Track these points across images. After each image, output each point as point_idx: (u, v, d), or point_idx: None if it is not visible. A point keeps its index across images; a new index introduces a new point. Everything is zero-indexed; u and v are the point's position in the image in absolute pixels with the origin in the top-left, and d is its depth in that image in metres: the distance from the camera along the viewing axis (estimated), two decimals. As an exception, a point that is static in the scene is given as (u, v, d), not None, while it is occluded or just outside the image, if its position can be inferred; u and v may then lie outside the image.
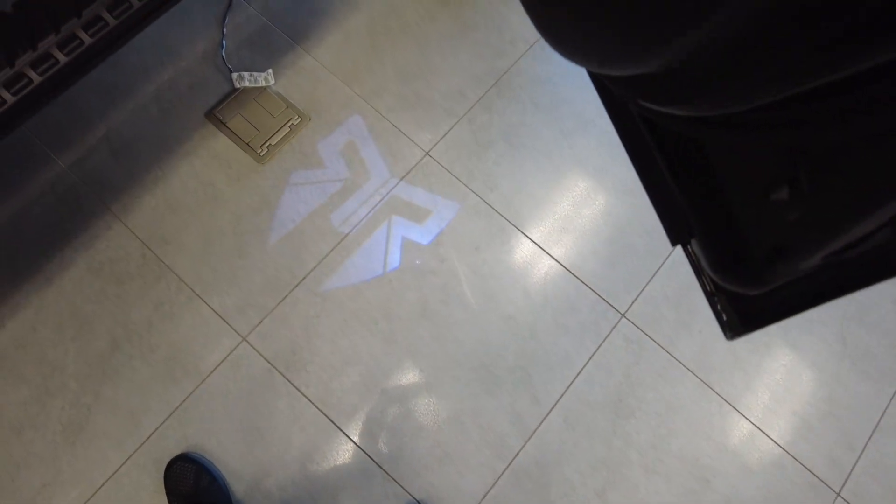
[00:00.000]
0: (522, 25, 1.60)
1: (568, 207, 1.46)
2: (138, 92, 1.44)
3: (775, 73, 0.34)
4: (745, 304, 0.63)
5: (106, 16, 0.92)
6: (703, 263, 0.61)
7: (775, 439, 1.33)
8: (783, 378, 1.38)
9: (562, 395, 1.34)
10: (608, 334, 1.38)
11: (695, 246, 0.62)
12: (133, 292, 1.33)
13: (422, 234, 1.42)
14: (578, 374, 1.35)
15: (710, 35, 0.33)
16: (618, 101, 0.66)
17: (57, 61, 0.90)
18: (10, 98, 0.88)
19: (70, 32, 0.90)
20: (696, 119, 0.50)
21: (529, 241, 1.43)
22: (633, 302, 1.41)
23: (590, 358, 1.36)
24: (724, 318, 0.62)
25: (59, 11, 0.87)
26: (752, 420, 1.34)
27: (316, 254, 1.39)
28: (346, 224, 1.41)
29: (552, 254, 1.42)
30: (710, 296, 0.62)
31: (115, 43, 0.94)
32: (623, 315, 1.40)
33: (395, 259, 1.40)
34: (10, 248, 1.33)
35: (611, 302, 1.40)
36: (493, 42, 1.58)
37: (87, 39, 0.91)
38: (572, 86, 1.55)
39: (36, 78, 0.89)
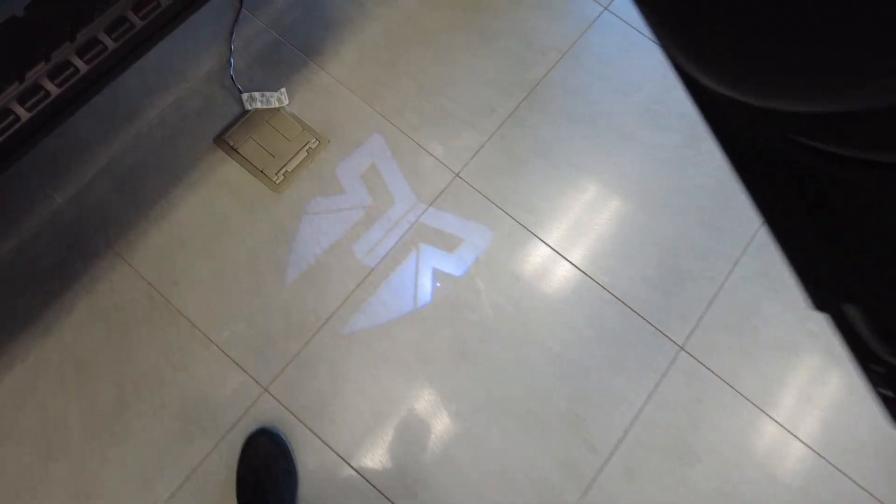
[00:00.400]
0: (551, 33, 1.47)
1: (614, 229, 1.33)
2: (141, 117, 1.32)
3: None
4: None
5: (104, 38, 0.79)
6: (868, 334, 0.47)
7: (864, 486, 1.19)
8: (862, 419, 1.24)
9: (620, 440, 1.20)
10: (667, 370, 1.25)
11: (852, 312, 0.49)
12: (141, 340, 1.20)
13: (455, 265, 1.29)
14: (637, 417, 1.22)
15: None
16: (744, 138, 0.51)
17: (48, 93, 0.77)
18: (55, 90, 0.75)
19: (63, 59, 0.78)
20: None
21: (574, 267, 1.30)
22: (690, 332, 1.27)
23: (648, 397, 1.23)
24: (890, 403, 0.48)
25: (51, 36, 0.75)
26: (832, 463, 1.20)
27: (340, 291, 1.26)
28: (372, 256, 1.28)
29: (600, 282, 1.29)
30: (873, 373, 0.49)
31: (114, 69, 0.82)
32: (682, 347, 1.26)
33: (426, 293, 1.27)
34: (5, 293, 1.21)
35: (667, 334, 1.27)
36: (521, 52, 1.45)
37: (83, 67, 0.79)
38: (609, 97, 1.43)
39: (23, 114, 0.77)
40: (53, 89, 0.78)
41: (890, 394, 0.47)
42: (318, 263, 1.27)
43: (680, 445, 1.21)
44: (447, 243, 1.30)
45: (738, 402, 1.24)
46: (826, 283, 0.49)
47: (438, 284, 1.27)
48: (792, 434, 1.22)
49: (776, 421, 1.22)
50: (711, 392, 1.24)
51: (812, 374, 1.26)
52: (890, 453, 1.22)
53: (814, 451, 1.21)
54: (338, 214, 1.30)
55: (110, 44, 0.80)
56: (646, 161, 1.38)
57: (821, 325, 1.28)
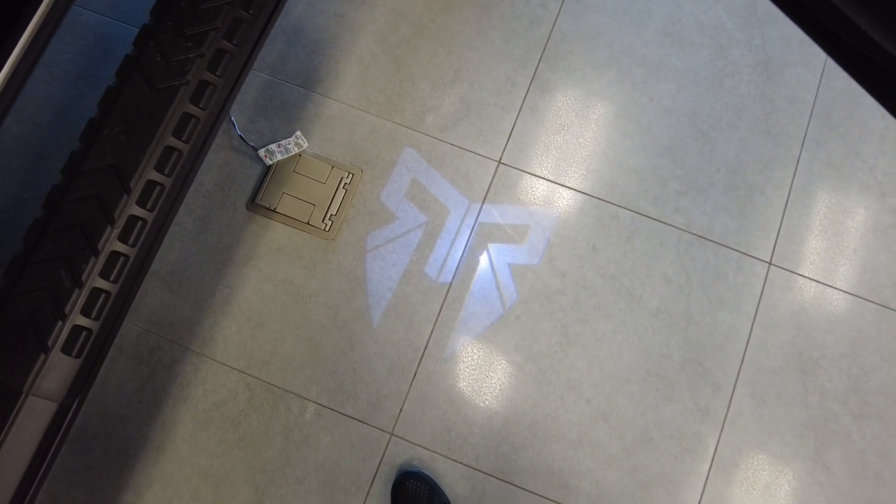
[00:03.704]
0: (541, -22, 1.37)
1: (673, 167, 1.29)
2: (165, 210, 1.24)
3: None
4: None
5: (157, 177, 0.73)
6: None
7: (976, 339, 1.22)
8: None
9: (738, 371, 1.22)
10: (763, 290, 1.25)
11: None
12: (254, 428, 1.19)
13: (529, 255, 1.26)
14: (748, 342, 1.23)
15: None
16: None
17: (127, 257, 0.71)
18: (92, 325, 0.70)
19: (127, 215, 0.71)
20: None
21: (647, 218, 1.27)
22: (774, 245, 1.27)
23: (753, 322, 1.23)
24: None
25: (104, 191, 0.68)
26: (942, 326, 1.23)
27: (427, 316, 1.23)
28: (445, 272, 1.25)
29: (677, 225, 1.27)
30: None
31: (176, 202, 0.75)
32: (770, 263, 1.26)
33: (510, 292, 1.25)
34: (106, 427, 1.18)
35: (754, 255, 1.26)
36: (522, 11, 1.36)
37: (147, 216, 0.73)
38: (625, 32, 1.35)
39: (110, 287, 0.71)
40: (128, 250, 0.72)
41: None
42: (396, 297, 1.24)
43: (797, 358, 1.22)
44: (514, 235, 1.26)
45: (841, 299, 1.25)
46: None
47: (522, 275, 1.24)
48: (892, 308, 1.23)
49: (883, 305, 1.24)
50: (812, 297, 1.25)
51: (900, 248, 1.26)
52: None
53: (923, 321, 1.23)
54: (398, 242, 1.26)
55: (165, 181, 0.73)
56: (683, 87, 1.32)
57: (898, 198, 1.27)
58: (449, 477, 1.17)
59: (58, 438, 0.68)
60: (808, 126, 1.30)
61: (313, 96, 1.30)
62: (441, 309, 1.23)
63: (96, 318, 0.68)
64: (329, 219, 1.25)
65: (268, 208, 1.25)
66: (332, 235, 1.25)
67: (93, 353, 0.69)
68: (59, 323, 0.66)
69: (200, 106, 0.72)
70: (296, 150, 1.26)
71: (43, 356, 0.66)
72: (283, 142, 1.26)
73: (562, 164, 1.29)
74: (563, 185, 1.28)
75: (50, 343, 0.66)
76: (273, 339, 1.21)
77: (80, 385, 0.68)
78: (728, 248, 1.26)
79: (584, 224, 1.27)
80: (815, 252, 1.26)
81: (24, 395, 0.65)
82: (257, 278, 1.23)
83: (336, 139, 1.29)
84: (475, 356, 1.22)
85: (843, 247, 1.26)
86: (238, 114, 1.28)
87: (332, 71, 1.31)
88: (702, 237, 1.26)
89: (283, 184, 1.26)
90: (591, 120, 1.30)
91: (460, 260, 1.25)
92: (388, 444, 1.19)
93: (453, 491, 1.17)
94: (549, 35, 1.34)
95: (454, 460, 1.18)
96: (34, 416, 0.65)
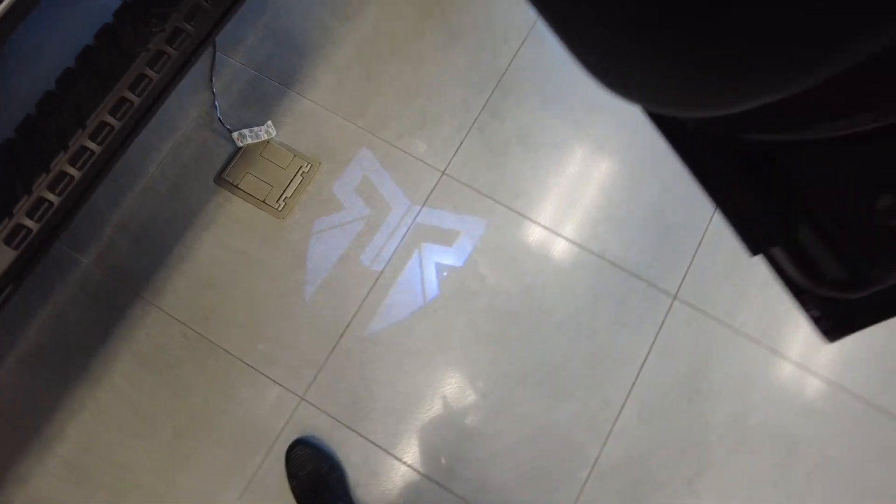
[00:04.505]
0: (511, 19, 1.54)
1: (596, 197, 1.42)
2: (143, 174, 1.42)
3: None
4: (841, 307, 0.60)
5: (110, 119, 0.89)
6: (792, 271, 0.58)
7: (857, 393, 1.30)
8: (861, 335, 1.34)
9: (630, 390, 1.31)
10: (664, 319, 1.35)
11: (778, 253, 0.59)
12: (184, 374, 1.32)
13: (455, 256, 1.39)
14: (643, 366, 1.32)
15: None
16: (671, 120, 0.62)
17: (72, 178, 0.87)
18: (33, 225, 0.85)
19: (79, 146, 0.87)
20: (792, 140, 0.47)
21: (566, 240, 1.39)
22: (682, 281, 1.37)
23: (650, 347, 1.33)
24: (821, 323, 0.59)
25: (65, 127, 0.84)
26: (829, 378, 1.31)
27: (355, 298, 1.36)
28: (378, 261, 1.38)
29: (592, 249, 1.39)
30: (802, 301, 0.59)
31: (123, 145, 0.91)
32: (675, 297, 1.36)
33: (433, 287, 1.37)
34: (55, 355, 1.32)
35: (660, 286, 1.37)
36: (486, 43, 1.52)
37: (96, 148, 0.88)
38: (574, 72, 1.50)
39: (54, 199, 0.87)
40: (76, 172, 0.88)
41: (818, 314, 0.58)
42: (332, 277, 1.37)
43: (686, 386, 1.31)
44: (445, 238, 1.40)
45: (736, 339, 1.34)
46: (756, 232, 0.60)
47: (445, 274, 1.37)
48: (793, 362, 1.32)
49: (773, 350, 1.33)
50: (709, 333, 1.34)
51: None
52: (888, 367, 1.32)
53: (812, 371, 1.32)
54: (341, 229, 1.40)
55: (116, 123, 0.90)
56: (617, 129, 1.46)
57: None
58: (347, 446, 1.28)
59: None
60: (730, 179, 1.42)
61: (290, 94, 1.47)
62: (368, 293, 1.36)
63: (38, 221, 0.84)
64: (283, 200, 1.40)
65: (232, 184, 1.41)
66: (283, 215, 1.40)
67: (29, 250, 0.84)
68: (7, 219, 0.82)
69: (155, 70, 0.89)
70: (265, 137, 1.43)
71: (-14, 242, 0.81)
72: (256, 128, 1.43)
73: (498, 182, 1.43)
74: (495, 201, 1.41)
75: (-5, 233, 0.82)
76: (216, 298, 1.36)
77: (14, 275, 0.83)
78: (638, 277, 1.37)
79: (509, 237, 1.40)
80: (720, 293, 1.37)
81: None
82: (213, 243, 1.39)
83: (303, 133, 1.45)
84: (392, 340, 1.34)
85: (746, 292, 1.36)
86: (222, 100, 1.46)
87: (310, 73, 1.49)
88: (614, 264, 1.38)
89: (249, 165, 1.42)
90: (530, 146, 1.45)
91: (393, 253, 1.39)
92: (296, 408, 1.30)
93: (349, 459, 1.28)
94: (507, 68, 1.51)
95: (354, 431, 1.29)
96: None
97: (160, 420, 1.29)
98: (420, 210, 1.41)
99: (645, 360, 1.33)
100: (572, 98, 1.48)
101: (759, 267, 1.37)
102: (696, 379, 1.32)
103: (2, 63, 1.40)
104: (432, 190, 1.42)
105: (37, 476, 1.27)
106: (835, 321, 0.60)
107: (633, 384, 1.32)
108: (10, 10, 0.75)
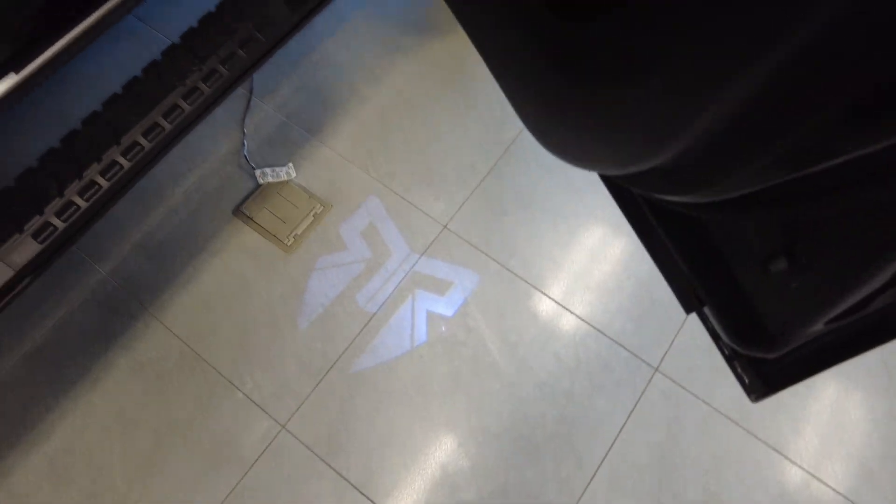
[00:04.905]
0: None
1: (588, 265, 1.48)
2: (168, 196, 1.53)
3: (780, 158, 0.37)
4: (765, 367, 0.64)
5: (142, 140, 1.00)
6: (719, 330, 0.62)
7: (833, 486, 1.28)
8: (830, 419, 1.34)
9: (604, 457, 1.32)
10: (644, 390, 1.37)
11: (709, 313, 0.64)
12: (173, 388, 1.37)
13: (446, 306, 1.45)
14: (619, 434, 1.33)
15: (706, 131, 0.36)
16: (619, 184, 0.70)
17: (100, 187, 0.98)
18: (60, 224, 0.95)
19: (111, 159, 0.98)
20: (695, 203, 0.54)
21: (554, 303, 1.44)
22: (664, 355, 1.40)
23: (628, 416, 1.35)
24: (746, 381, 0.63)
25: (102, 142, 0.95)
26: (804, 467, 1.30)
27: (346, 335, 1.42)
28: (373, 303, 1.45)
29: (578, 314, 1.43)
30: (728, 360, 0.63)
31: (149, 164, 1.02)
32: (656, 369, 1.39)
33: (421, 333, 1.42)
34: (57, 354, 1.39)
35: (642, 357, 1.40)
36: (497, 115, 1.65)
37: (126, 163, 0.99)
38: (579, 148, 1.61)
39: (82, 204, 0.97)
40: (104, 182, 0.98)
41: (741, 373, 0.62)
42: (326, 312, 1.44)
43: (660, 460, 1.31)
44: (439, 287, 1.46)
45: (714, 417, 1.35)
46: (687, 293, 0.65)
47: (436, 323, 1.42)
48: (769, 446, 1.32)
49: (750, 432, 1.33)
50: (688, 409, 1.36)
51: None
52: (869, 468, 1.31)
53: (787, 458, 1.31)
54: (342, 268, 1.48)
55: (146, 144, 1.01)
56: (612, 202, 1.54)
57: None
58: (321, 479, 1.30)
59: (4, 301, 0.91)
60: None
61: (313, 141, 1.60)
62: (360, 333, 1.42)
63: (64, 222, 0.93)
64: (293, 237, 1.50)
65: (248, 216, 1.51)
66: (290, 250, 1.49)
67: (52, 247, 0.93)
68: (37, 216, 0.92)
69: (188, 102, 1.01)
70: (285, 178, 1.54)
71: (17, 235, 0.90)
72: (278, 168, 1.55)
73: (495, 241, 1.51)
74: (491, 258, 1.49)
75: (26, 227, 0.91)
76: (215, 320, 1.43)
77: (34, 267, 0.92)
78: (621, 346, 1.41)
79: (500, 293, 1.46)
80: (701, 370, 1.39)
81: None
82: (220, 269, 1.47)
83: (320, 177, 1.57)
84: (375, 379, 1.38)
85: (726, 370, 1.38)
86: (250, 140, 1.59)
87: (334, 125, 1.62)
88: (598, 331, 1.42)
89: (266, 201, 1.53)
90: (529, 211, 1.53)
91: (388, 296, 1.45)
92: (277, 436, 1.33)
93: (319, 495, 1.29)
94: (515, 139, 1.62)
95: (328, 464, 1.31)
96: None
97: (143, 428, 1.33)
98: (419, 259, 1.49)
99: (621, 429, 1.34)
100: (572, 170, 1.58)
101: (741, 348, 1.40)
102: (672, 454, 1.32)
103: (62, 87, 1.56)
104: (433, 241, 1.51)
105: (19, 471, 1.31)
106: (759, 380, 0.64)
107: (609, 451, 1.32)
108: (74, 42, 0.88)
